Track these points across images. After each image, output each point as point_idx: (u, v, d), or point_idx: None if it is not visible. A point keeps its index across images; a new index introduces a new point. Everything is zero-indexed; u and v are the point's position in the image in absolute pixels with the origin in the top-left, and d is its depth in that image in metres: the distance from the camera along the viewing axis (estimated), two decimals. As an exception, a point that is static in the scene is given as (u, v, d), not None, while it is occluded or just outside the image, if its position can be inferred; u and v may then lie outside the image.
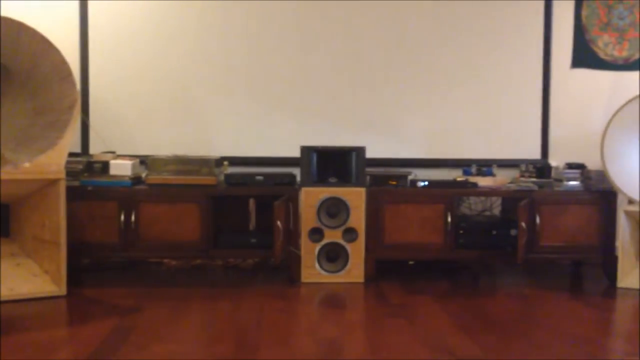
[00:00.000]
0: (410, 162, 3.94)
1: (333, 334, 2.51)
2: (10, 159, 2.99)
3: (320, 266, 3.41)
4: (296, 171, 3.57)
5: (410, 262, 3.88)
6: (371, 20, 3.93)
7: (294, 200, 3.42)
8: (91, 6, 3.80)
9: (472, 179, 3.61)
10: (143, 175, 3.52)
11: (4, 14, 3.51)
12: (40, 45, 3.04)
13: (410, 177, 3.58)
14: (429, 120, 3.98)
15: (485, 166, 3.74)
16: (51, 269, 3.07)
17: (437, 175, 3.82)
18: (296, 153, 3.58)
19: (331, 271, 3.42)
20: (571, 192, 3.52)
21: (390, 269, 3.71)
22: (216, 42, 3.87)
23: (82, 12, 3.79)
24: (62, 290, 3.05)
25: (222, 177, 3.55)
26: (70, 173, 3.38)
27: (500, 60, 3.99)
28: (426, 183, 3.54)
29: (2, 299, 2.93)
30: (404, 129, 3.97)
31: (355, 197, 3.41)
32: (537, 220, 3.46)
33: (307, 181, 3.43)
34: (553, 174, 3.69)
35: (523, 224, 3.36)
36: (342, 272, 3.42)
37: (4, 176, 2.91)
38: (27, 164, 2.97)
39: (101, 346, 2.33)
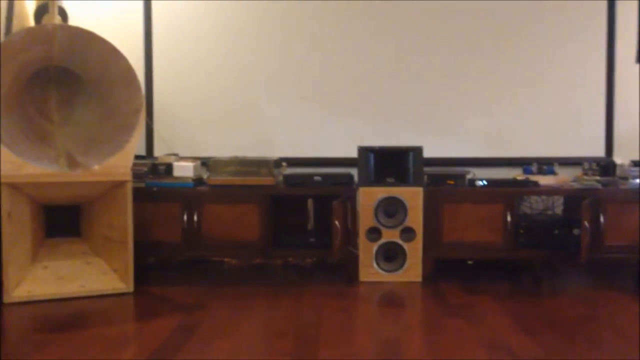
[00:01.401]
0: (469, 161, 3.91)
1: (392, 333, 2.53)
2: (81, 162, 3.14)
3: (378, 265, 3.43)
4: (354, 171, 3.59)
5: (469, 262, 3.85)
6: (428, 19, 3.91)
7: (351, 200, 3.45)
8: (155, 13, 3.93)
9: (533, 178, 3.55)
10: (205, 176, 3.62)
11: (73, 23, 3.68)
12: (108, 53, 3.17)
13: (468, 177, 3.55)
14: (488, 118, 3.93)
15: (546, 164, 3.67)
16: (119, 267, 3.19)
17: (496, 174, 3.77)
18: (354, 153, 3.61)
19: (389, 270, 3.43)
20: (637, 190, 3.42)
21: (448, 269, 3.69)
22: (276, 45, 3.94)
23: (145, 20, 3.93)
24: (129, 287, 3.18)
25: (281, 178, 3.61)
26: (136, 175, 3.50)
27: (562, 55, 3.90)
28: (485, 182, 3.50)
29: (74, 295, 3.08)
30: (462, 128, 3.94)
31: (413, 197, 3.41)
32: (602, 219, 3.37)
33: (365, 181, 3.46)
34: (618, 171, 3.59)
35: (586, 224, 3.28)
36: (400, 272, 3.42)
37: (75, 178, 3.05)
38: (96, 167, 3.10)
39: (167, 341, 2.41)
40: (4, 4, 3.31)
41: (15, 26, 3.40)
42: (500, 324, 2.64)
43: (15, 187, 2.97)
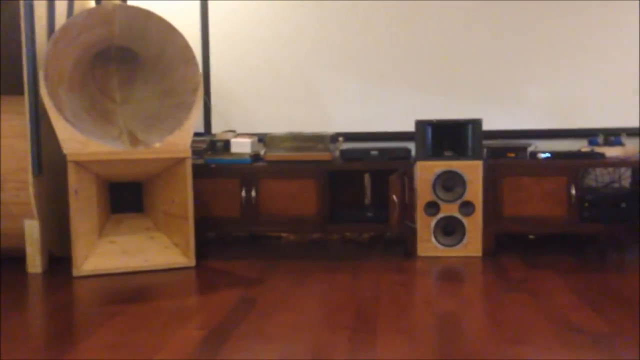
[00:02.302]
0: (530, 133, 3.80)
1: (451, 307, 2.50)
2: (142, 139, 3.21)
3: (437, 240, 3.39)
4: (411, 145, 3.55)
5: (531, 237, 3.76)
6: (486, -13, 3.80)
7: (409, 174, 3.41)
8: (209, -9, 3.96)
9: (599, 150, 3.42)
10: (261, 152, 3.65)
11: (131, 3, 3.74)
12: (166, 31, 3.21)
13: (530, 149, 3.45)
14: (551, 88, 3.80)
15: (613, 135, 3.53)
16: (181, 242, 3.27)
17: (559, 147, 3.66)
18: (411, 127, 3.56)
19: (448, 245, 3.39)
20: None
21: (509, 243, 3.62)
22: (330, 19, 3.91)
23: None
24: (191, 261, 3.25)
25: (337, 153, 3.60)
26: (195, 152, 3.56)
27: (627, 20, 3.72)
28: (548, 155, 3.40)
29: (138, 269, 3.17)
30: (523, 99, 3.83)
31: (472, 170, 3.35)
32: (672, 191, 3.23)
33: (422, 155, 3.41)
34: (691, 141, 3.42)
35: (656, 196, 3.15)
36: (459, 246, 3.38)
37: (137, 156, 3.13)
38: (157, 144, 3.17)
39: (229, 314, 2.46)
40: (66, -14, 3.39)
41: (77, 7, 3.48)
42: (564, 299, 2.58)
43: (81, 165, 3.07)
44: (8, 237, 3.22)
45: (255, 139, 3.70)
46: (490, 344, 2.09)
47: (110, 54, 3.39)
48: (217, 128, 3.97)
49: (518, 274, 3.01)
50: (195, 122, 3.27)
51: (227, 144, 3.58)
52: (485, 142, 3.48)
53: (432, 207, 3.39)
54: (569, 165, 3.32)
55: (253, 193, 3.49)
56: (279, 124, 3.95)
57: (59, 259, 3.37)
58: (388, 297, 2.66)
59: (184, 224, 3.24)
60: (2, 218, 3.17)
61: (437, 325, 2.29)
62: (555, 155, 3.40)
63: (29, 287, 2.94)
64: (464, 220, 3.36)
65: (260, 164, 3.55)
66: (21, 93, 3.27)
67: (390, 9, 3.86)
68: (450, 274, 3.04)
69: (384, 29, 3.88)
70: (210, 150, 3.60)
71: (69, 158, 3.02)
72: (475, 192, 3.35)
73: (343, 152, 3.53)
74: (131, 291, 2.83)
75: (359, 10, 3.89)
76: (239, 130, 3.90)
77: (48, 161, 3.25)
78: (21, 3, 3.04)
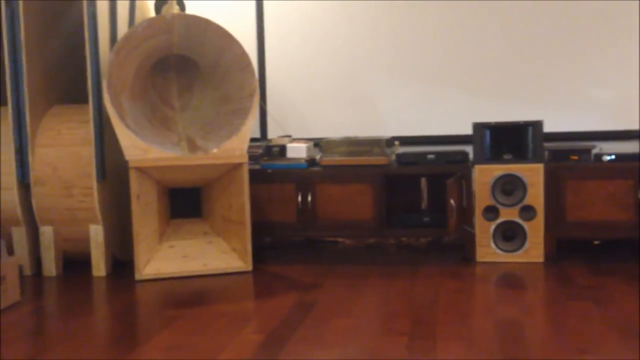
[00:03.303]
0: (594, 134, 3.67)
1: (513, 314, 2.44)
2: (200, 146, 3.27)
3: (496, 245, 3.32)
4: (468, 149, 3.49)
5: (596, 242, 3.63)
6: (546, -15, 3.70)
7: (466, 178, 3.35)
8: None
9: (667, 151, 3.28)
10: (317, 157, 3.66)
11: (190, 11, 3.82)
12: (223, 38, 3.26)
13: (594, 151, 3.34)
14: (615, 87, 3.67)
15: (682, 136, 3.38)
16: (238, 246, 3.31)
17: (625, 148, 3.52)
18: (468, 130, 3.50)
19: (508, 250, 3.31)
20: None
21: (572, 249, 3.51)
22: (384, 23, 3.89)
23: (258, 5, 4.00)
24: (248, 266, 3.29)
25: (393, 157, 3.58)
26: (252, 157, 3.60)
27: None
28: (613, 157, 3.28)
29: (197, 273, 3.23)
30: (585, 100, 3.70)
31: (533, 174, 3.26)
32: None
33: (481, 158, 3.34)
34: None
35: None
36: (520, 252, 3.30)
37: (195, 162, 3.18)
38: (215, 150, 3.22)
39: (286, 318, 2.47)
40: (127, -2, 3.49)
41: (138, 18, 3.58)
42: (631, 307, 2.48)
43: (142, 171, 3.15)
44: (74, 242, 3.33)
45: (311, 143, 3.71)
46: (555, 354, 2.02)
47: (169, 62, 3.47)
48: (273, 133, 4.01)
49: (582, 280, 2.91)
50: (251, 127, 3.30)
51: (283, 149, 3.61)
52: (547, 145, 3.39)
53: (491, 212, 3.32)
54: (635, 168, 3.19)
55: (309, 198, 3.50)
56: (335, 129, 3.96)
57: (121, 262, 3.47)
58: (446, 303, 2.61)
59: (241, 228, 3.28)
60: (69, 223, 3.28)
61: (498, 333, 2.23)
62: (621, 157, 3.28)
63: (94, 290, 3.03)
64: (525, 225, 3.28)
65: (316, 168, 3.56)
66: (85, 102, 3.38)
67: (446, 10, 3.81)
68: (511, 280, 2.96)
69: (440, 30, 3.83)
70: (267, 156, 3.63)
71: (130, 164, 3.10)
72: (536, 196, 3.26)
73: (399, 156, 3.50)
74: (190, 295, 2.88)
75: (413, 12, 3.85)
76: (294, 135, 3.92)
77: (111, 167, 3.35)
78: (85, 15, 3.15)
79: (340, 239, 3.99)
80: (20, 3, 3.16)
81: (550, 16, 3.71)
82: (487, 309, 2.52)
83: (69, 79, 3.58)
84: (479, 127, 3.37)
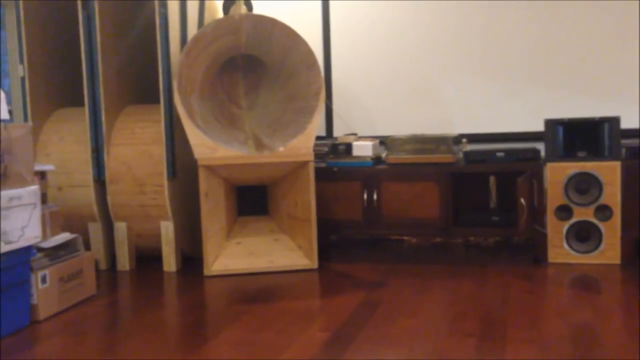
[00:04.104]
0: (675, 131, 3.49)
1: (587, 318, 2.35)
2: (267, 144, 3.31)
3: (569, 246, 3.20)
4: (539, 146, 3.38)
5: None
6: (624, -25, 3.54)
7: (538, 176, 3.25)
8: (331, -4, 4.00)
9: None
10: (383, 155, 3.64)
11: (257, 11, 3.87)
12: (289, 38, 3.29)
13: (675, 148, 3.17)
14: (699, 82, 3.47)
15: None
16: (304, 244, 3.32)
17: None
18: (539, 127, 3.39)
19: (582, 251, 3.19)
20: None
21: (651, 251, 3.35)
22: (450, 19, 3.82)
23: (324, 3, 4.00)
24: (314, 264, 3.30)
25: (461, 155, 3.51)
26: (318, 155, 3.61)
27: None
28: (696, 154, 3.10)
29: (264, 270, 3.27)
30: (666, 94, 3.52)
31: (609, 172, 3.13)
32: None
33: (553, 156, 3.23)
34: None
35: None
36: (595, 253, 3.17)
37: (262, 160, 3.22)
38: (281, 148, 3.25)
39: (351, 317, 2.47)
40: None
41: (207, 19, 3.65)
42: None
43: (211, 169, 3.21)
44: (147, 237, 3.44)
45: (377, 141, 3.69)
46: (631, 359, 1.94)
47: (237, 62, 3.52)
48: (338, 131, 4.01)
49: (663, 284, 2.77)
50: (317, 126, 3.31)
51: (348, 147, 3.60)
52: (624, 142, 3.24)
53: (564, 211, 3.21)
54: None
55: (375, 196, 3.48)
56: (401, 126, 3.92)
57: (190, 258, 3.55)
58: (517, 305, 2.54)
59: (307, 226, 3.29)
60: (142, 219, 3.39)
61: (571, 337, 2.15)
62: None
63: (165, 285, 3.12)
64: (601, 225, 3.15)
65: (381, 166, 3.53)
66: (156, 102, 3.48)
67: (515, 5, 3.70)
68: (585, 283, 2.85)
69: (507, 25, 3.73)
70: (332, 154, 3.63)
71: (199, 162, 3.17)
72: (613, 195, 3.13)
73: (467, 153, 3.43)
74: (257, 291, 2.92)
75: (479, 8, 3.76)
76: (360, 133, 3.91)
77: (181, 166, 3.43)
78: (157, 17, 3.24)
79: (406, 238, 3.95)
80: (97, 5, 3.28)
81: (626, 8, 3.54)
82: (560, 312, 2.43)
83: (140, 79, 3.70)
84: (551, 123, 3.26)
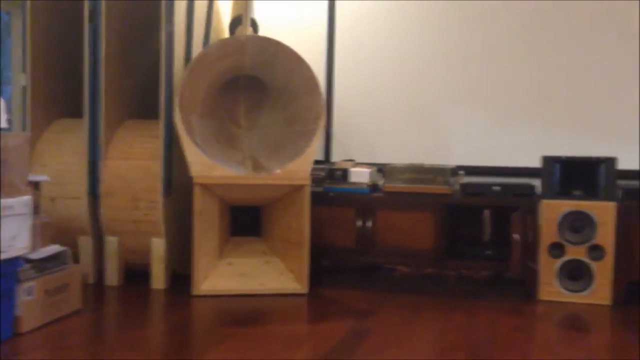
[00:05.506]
0: (671, 174, 3.50)
1: (575, 358, 2.33)
2: (264, 165, 3.30)
3: (561, 284, 3.19)
4: (535, 182, 3.39)
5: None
6: (616, 21, 3.58)
7: (532, 212, 3.25)
8: (338, 22, 4.03)
9: None
10: (380, 182, 3.64)
11: (262, 31, 3.90)
12: (293, 61, 3.30)
13: (671, 192, 3.18)
14: (696, 127, 3.50)
15: None
16: (295, 268, 3.30)
17: None
18: (535, 163, 3.40)
19: (573, 290, 3.18)
20: None
21: (643, 294, 3.34)
22: (454, 53, 3.85)
23: (329, 29, 4.04)
24: (304, 288, 3.27)
25: (457, 187, 3.51)
26: (314, 179, 3.61)
27: None
28: (691, 199, 3.11)
29: (253, 292, 3.24)
30: (663, 138, 3.55)
31: (604, 212, 3.13)
32: None
33: (549, 193, 3.24)
34: None
35: None
36: (586, 292, 3.16)
37: (259, 181, 3.22)
38: (278, 171, 3.24)
39: (339, 345, 2.44)
40: (202, 18, 3.59)
41: (212, 38, 3.67)
42: None
43: (206, 188, 3.20)
44: (137, 253, 3.41)
45: (374, 169, 3.69)
46: (620, 404, 1.91)
47: (239, 82, 3.54)
48: (337, 156, 4.01)
49: (653, 328, 2.76)
50: (315, 150, 3.31)
51: (345, 172, 3.60)
52: (621, 183, 3.25)
53: (556, 249, 3.20)
54: None
55: (369, 223, 3.47)
56: (399, 155, 3.93)
57: (180, 276, 3.52)
58: (505, 341, 2.52)
59: (300, 250, 3.28)
60: (133, 235, 3.36)
61: (560, 377, 2.13)
62: (701, 200, 3.11)
63: (152, 302, 3.09)
64: (593, 264, 3.14)
65: (378, 194, 3.53)
66: (157, 117, 3.48)
67: (515, 41, 3.74)
68: (575, 322, 2.84)
69: (509, 61, 3.76)
70: (329, 179, 3.63)
71: (195, 180, 3.16)
72: (606, 235, 3.13)
73: (463, 186, 3.44)
74: (245, 313, 2.89)
75: (482, 42, 3.80)
76: (358, 160, 3.91)
77: (176, 183, 3.42)
78: (162, 34, 3.25)
79: (398, 267, 3.94)
80: (103, 19, 3.30)
81: (626, 49, 3.58)
82: (548, 350, 2.42)
83: (142, 94, 3.70)
84: (548, 160, 3.27)
